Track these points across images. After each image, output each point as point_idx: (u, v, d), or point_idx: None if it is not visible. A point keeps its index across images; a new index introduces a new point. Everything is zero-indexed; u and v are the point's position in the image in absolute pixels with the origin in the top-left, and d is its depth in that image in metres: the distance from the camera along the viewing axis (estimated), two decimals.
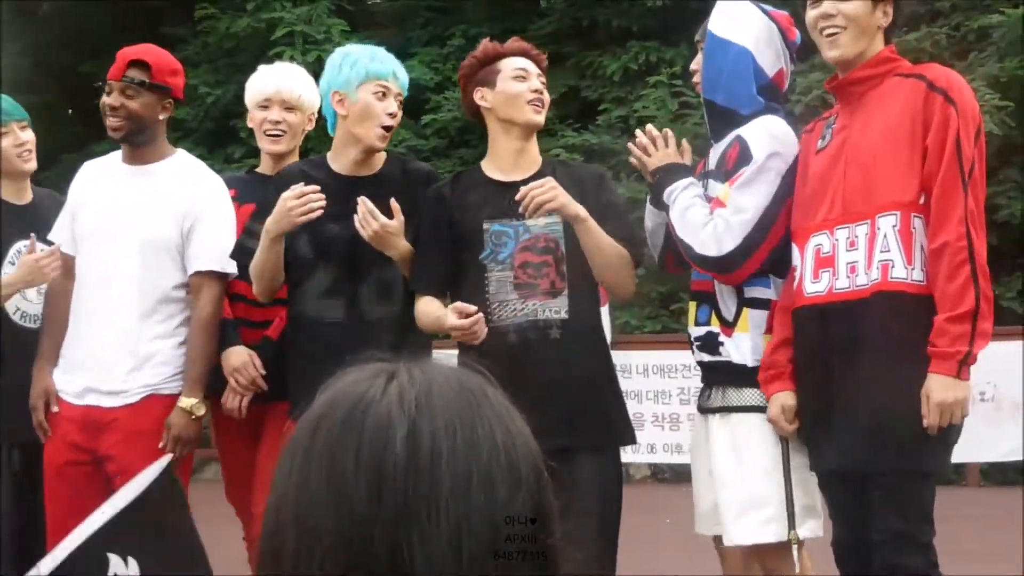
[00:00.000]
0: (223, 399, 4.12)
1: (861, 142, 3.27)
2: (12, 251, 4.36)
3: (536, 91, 3.72)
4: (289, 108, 4.23)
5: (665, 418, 8.86)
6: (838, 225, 3.27)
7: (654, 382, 8.87)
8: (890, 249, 3.16)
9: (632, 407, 4.08)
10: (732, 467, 3.54)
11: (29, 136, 4.48)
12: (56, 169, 4.41)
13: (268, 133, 4.24)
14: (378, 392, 1.08)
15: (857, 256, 3.22)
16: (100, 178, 4.23)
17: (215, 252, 4.09)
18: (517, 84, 3.73)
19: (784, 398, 3.44)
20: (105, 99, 4.12)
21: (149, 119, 4.11)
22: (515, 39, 3.87)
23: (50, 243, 4.27)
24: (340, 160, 3.91)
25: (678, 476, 8.56)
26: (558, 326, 3.64)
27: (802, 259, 3.36)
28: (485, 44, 3.87)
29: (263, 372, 4.07)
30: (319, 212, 3.63)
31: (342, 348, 3.38)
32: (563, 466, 3.55)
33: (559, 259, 3.65)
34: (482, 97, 3.74)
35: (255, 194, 4.17)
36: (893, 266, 3.15)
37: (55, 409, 4.09)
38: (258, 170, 4.43)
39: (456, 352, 3.79)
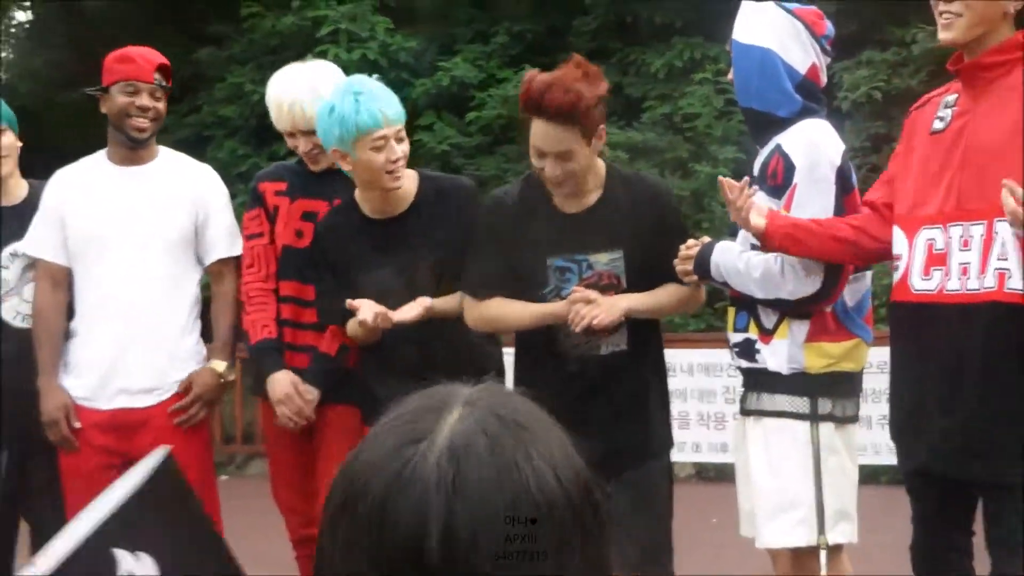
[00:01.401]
0: (274, 420, 4.13)
1: (983, 133, 3.12)
2: (5, 253, 4.29)
3: (551, 177, 3.58)
4: (311, 132, 4.05)
5: (710, 417, 8.80)
6: (952, 222, 3.14)
7: (699, 381, 8.82)
8: (1008, 258, 3.03)
9: (677, 406, 4.09)
10: (764, 470, 3.54)
11: (4, 142, 4.30)
12: None
13: (306, 154, 4.16)
14: (413, 469, 1.05)
15: (970, 257, 3.09)
16: (88, 183, 4.20)
17: (230, 237, 4.22)
18: (536, 159, 3.61)
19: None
20: (130, 99, 4.13)
21: (162, 122, 4.25)
22: (553, 95, 3.51)
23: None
24: (367, 204, 3.91)
25: (723, 475, 8.49)
26: (620, 357, 3.66)
27: (911, 250, 3.24)
28: (528, 85, 3.58)
29: (310, 397, 4.05)
30: None
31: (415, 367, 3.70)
32: (613, 492, 3.60)
33: (621, 294, 3.66)
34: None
35: (306, 190, 4.16)
36: (1010, 276, 3.02)
37: (76, 425, 4.09)
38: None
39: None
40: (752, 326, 3.60)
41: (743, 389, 3.72)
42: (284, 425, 4.08)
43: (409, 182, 3.91)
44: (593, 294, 3.60)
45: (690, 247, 3.64)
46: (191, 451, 4.11)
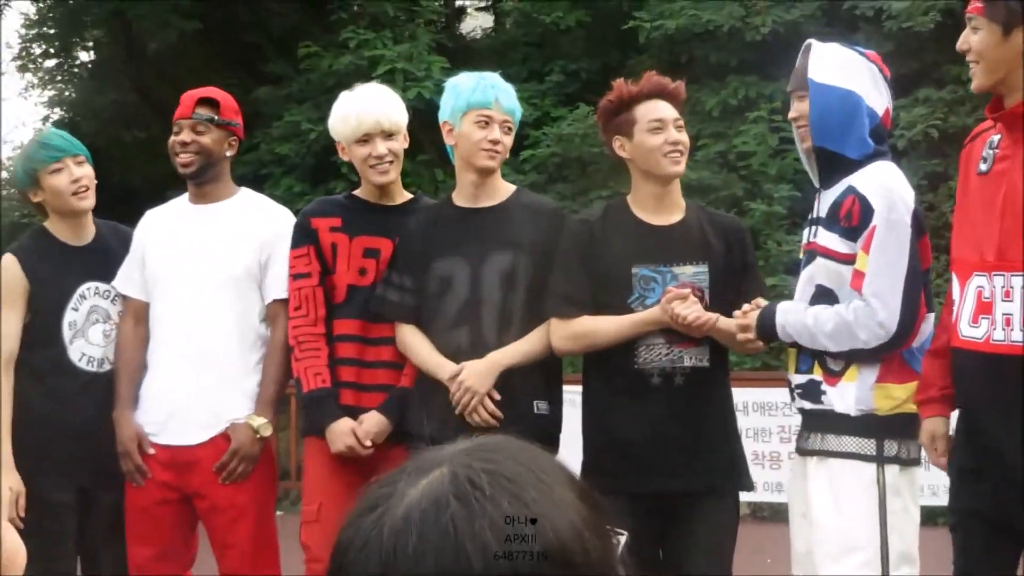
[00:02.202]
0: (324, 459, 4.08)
1: (1018, 182, 3.09)
2: (76, 295, 4.28)
3: (673, 143, 3.72)
4: (390, 136, 4.11)
5: (765, 456, 8.74)
6: (995, 271, 3.12)
7: (754, 420, 8.76)
8: None
9: None
10: (829, 511, 3.50)
11: (85, 171, 4.28)
12: (159, 202, 4.43)
13: (375, 166, 4.11)
14: (365, 536, 1.08)
15: (1012, 308, 3.08)
16: (166, 221, 4.31)
17: (285, 280, 4.17)
18: (653, 137, 3.74)
19: (935, 425, 3.39)
20: (174, 138, 4.22)
21: (217, 155, 4.23)
22: (649, 75, 3.84)
23: (112, 281, 4.30)
24: (461, 191, 4.01)
25: (777, 515, 8.41)
26: (701, 373, 3.70)
27: (962, 296, 3.22)
28: (619, 86, 3.84)
29: (369, 444, 4.02)
30: None
31: None
32: (684, 509, 3.63)
33: (704, 308, 3.68)
34: (621, 147, 3.81)
35: (366, 226, 4.13)
36: None
37: (151, 451, 4.15)
38: (358, 194, 4.27)
39: (578, 387, 3.88)
40: (817, 368, 3.58)
41: (802, 429, 3.70)
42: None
43: (506, 188, 4.05)
44: (687, 292, 3.63)
45: (746, 312, 3.64)
46: (239, 496, 4.15)
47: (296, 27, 14.43)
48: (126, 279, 4.31)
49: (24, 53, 17.82)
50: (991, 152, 3.22)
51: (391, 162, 4.11)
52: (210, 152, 4.22)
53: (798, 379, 3.64)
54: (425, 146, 12.18)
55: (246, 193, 4.39)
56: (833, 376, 3.55)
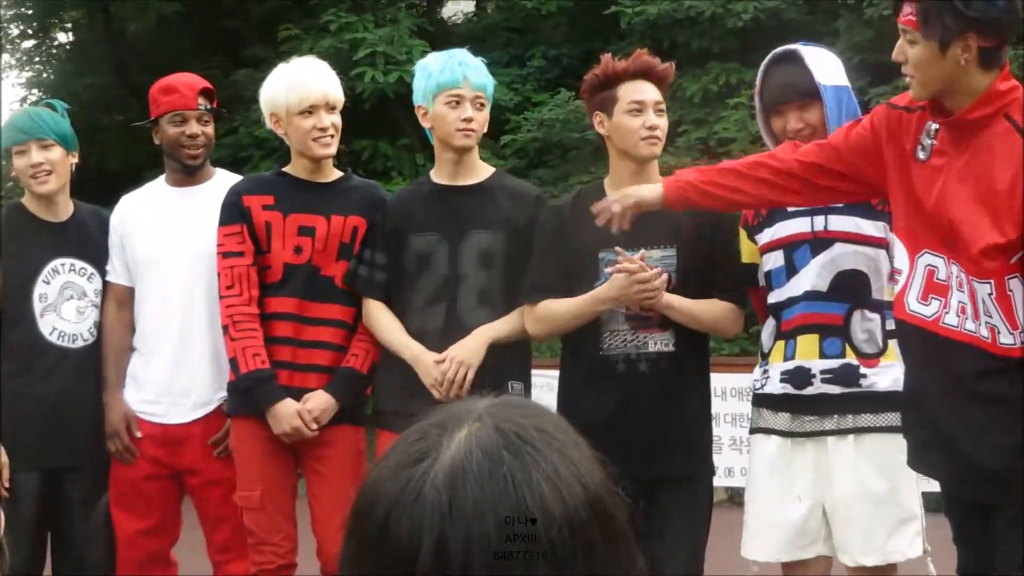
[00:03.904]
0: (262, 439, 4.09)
1: (960, 187, 3.07)
2: (47, 269, 4.28)
3: (651, 127, 3.72)
4: (332, 109, 4.08)
5: (743, 441, 8.74)
6: (953, 260, 3.10)
7: (732, 405, 8.79)
8: (992, 315, 3.04)
9: None
10: (883, 486, 3.57)
11: (49, 156, 4.26)
12: (138, 185, 4.43)
13: (319, 139, 4.05)
14: (413, 489, 1.08)
15: (965, 299, 3.07)
16: (146, 205, 4.32)
17: None
18: (631, 119, 3.74)
19: (651, 191, 3.52)
20: (179, 130, 4.20)
21: (213, 144, 4.32)
22: (639, 53, 3.83)
23: (89, 260, 4.30)
24: (440, 169, 4.02)
25: None
26: (666, 358, 3.71)
27: (911, 269, 3.20)
28: (606, 61, 3.84)
29: (314, 426, 4.00)
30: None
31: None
32: (656, 494, 3.63)
33: (671, 292, 3.66)
34: (600, 123, 3.81)
35: (300, 204, 4.08)
36: (999, 332, 3.03)
37: (138, 435, 4.18)
38: (288, 171, 4.20)
39: (557, 372, 3.89)
40: (848, 351, 3.62)
41: (804, 413, 3.68)
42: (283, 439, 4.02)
43: (486, 168, 4.06)
44: (634, 259, 3.62)
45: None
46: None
47: (277, 10, 14.37)
48: (108, 266, 4.35)
49: (1, 34, 17.69)
50: (928, 142, 3.16)
51: (332, 136, 4.08)
52: (212, 144, 4.33)
53: (826, 364, 3.64)
54: (406, 130, 12.18)
55: (223, 174, 4.42)
56: (871, 358, 3.61)
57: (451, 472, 1.07)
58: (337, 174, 4.22)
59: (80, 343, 4.27)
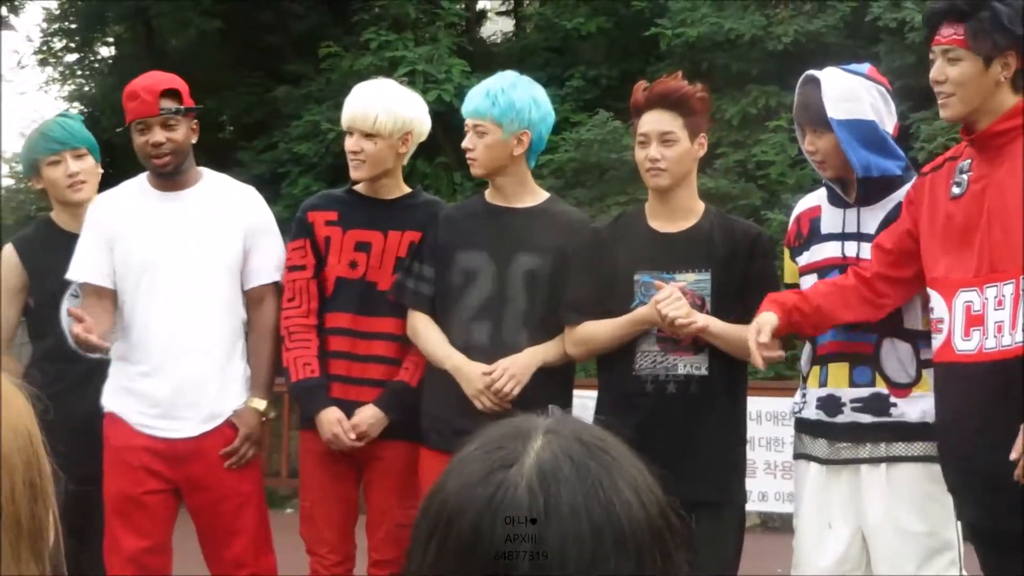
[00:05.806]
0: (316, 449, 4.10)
1: (1002, 197, 3.18)
2: (76, 283, 4.23)
3: (652, 160, 3.72)
4: (367, 136, 4.05)
5: (777, 466, 8.71)
6: (988, 283, 3.19)
7: (767, 429, 8.74)
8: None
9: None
10: (913, 516, 3.53)
11: (83, 165, 4.28)
12: None
13: (350, 161, 4.10)
14: (504, 494, 1.12)
15: (1003, 316, 3.15)
16: (132, 208, 4.14)
17: (275, 263, 4.17)
18: (639, 151, 3.80)
19: (768, 316, 3.48)
20: (143, 138, 4.04)
21: (188, 147, 4.11)
22: (659, 82, 3.81)
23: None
24: (493, 190, 4.07)
25: (788, 525, 8.41)
26: (697, 382, 3.69)
27: (950, 313, 3.28)
28: (634, 92, 3.82)
29: (354, 437, 4.00)
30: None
31: None
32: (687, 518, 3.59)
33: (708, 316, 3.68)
34: (634, 151, 3.86)
35: (359, 220, 4.11)
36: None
37: (106, 344, 3.95)
38: (356, 188, 4.24)
39: (591, 393, 3.88)
40: (879, 380, 3.60)
41: (838, 441, 3.65)
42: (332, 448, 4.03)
43: (540, 192, 4.13)
44: (673, 289, 3.62)
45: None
46: (244, 483, 4.15)
47: (317, 27, 14.44)
48: (86, 267, 4.13)
49: (45, 47, 17.84)
50: (964, 176, 3.30)
51: (364, 160, 4.07)
52: (183, 147, 4.10)
53: (856, 393, 3.63)
54: (444, 149, 12.20)
55: (211, 175, 4.28)
56: (902, 388, 3.58)
57: (542, 477, 1.12)
58: (405, 190, 4.24)
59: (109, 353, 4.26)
